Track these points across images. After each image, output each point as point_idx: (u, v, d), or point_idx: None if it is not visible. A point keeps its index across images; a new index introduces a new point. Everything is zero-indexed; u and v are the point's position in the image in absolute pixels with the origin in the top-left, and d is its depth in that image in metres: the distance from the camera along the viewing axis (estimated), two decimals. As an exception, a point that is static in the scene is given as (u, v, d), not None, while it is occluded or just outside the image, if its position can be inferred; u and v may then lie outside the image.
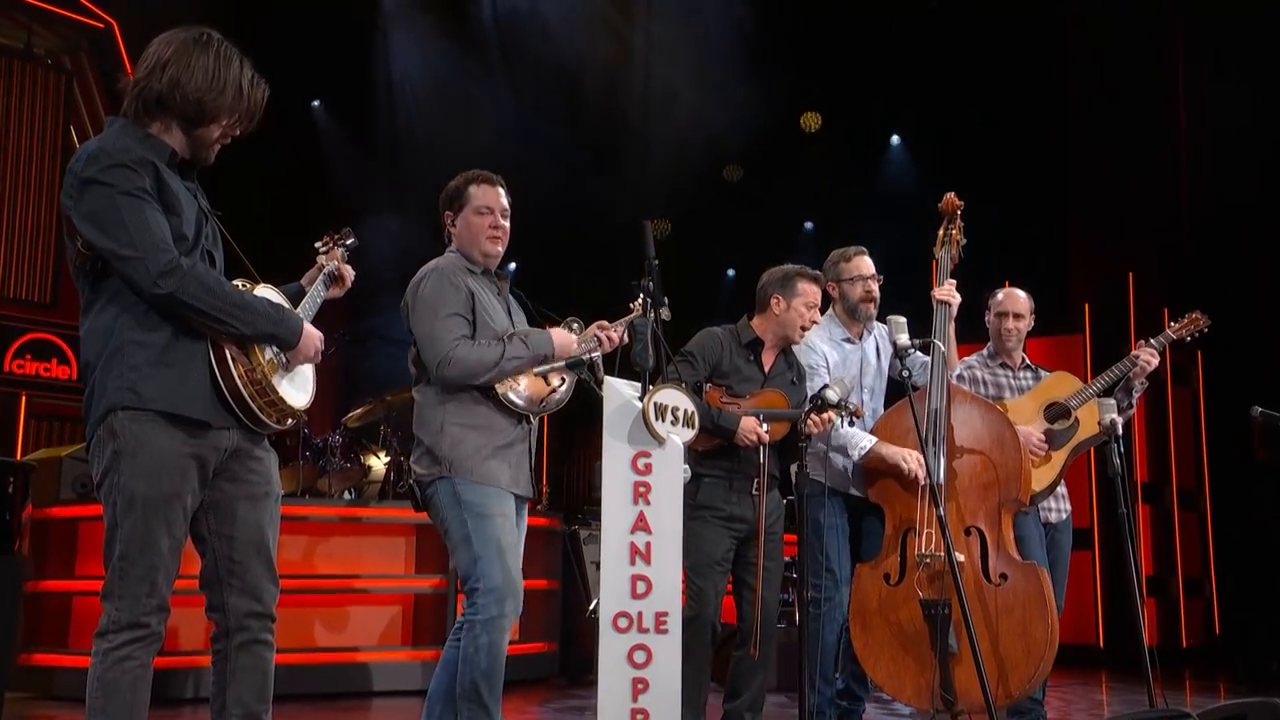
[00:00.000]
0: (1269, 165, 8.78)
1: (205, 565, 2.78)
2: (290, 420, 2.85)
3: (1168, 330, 4.92)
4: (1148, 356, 4.79)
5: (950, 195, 4.74)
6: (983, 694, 3.92)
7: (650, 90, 10.82)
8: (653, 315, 3.21)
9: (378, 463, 7.31)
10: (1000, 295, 5.05)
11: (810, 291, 4.40)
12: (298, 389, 2.85)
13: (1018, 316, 4.95)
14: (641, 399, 2.96)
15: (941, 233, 4.71)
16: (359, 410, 7.60)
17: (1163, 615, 9.05)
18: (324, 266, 3.12)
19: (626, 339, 3.66)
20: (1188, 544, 9.33)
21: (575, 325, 3.67)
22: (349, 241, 3.21)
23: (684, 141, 10.93)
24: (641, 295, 3.41)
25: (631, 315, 3.85)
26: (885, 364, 4.74)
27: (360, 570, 6.19)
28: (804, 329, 4.40)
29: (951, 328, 4.56)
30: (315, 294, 3.05)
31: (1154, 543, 9.15)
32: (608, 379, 3.02)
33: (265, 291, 2.83)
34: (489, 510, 3.39)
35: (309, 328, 2.84)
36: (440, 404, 3.47)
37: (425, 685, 6.20)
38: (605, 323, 3.76)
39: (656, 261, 3.31)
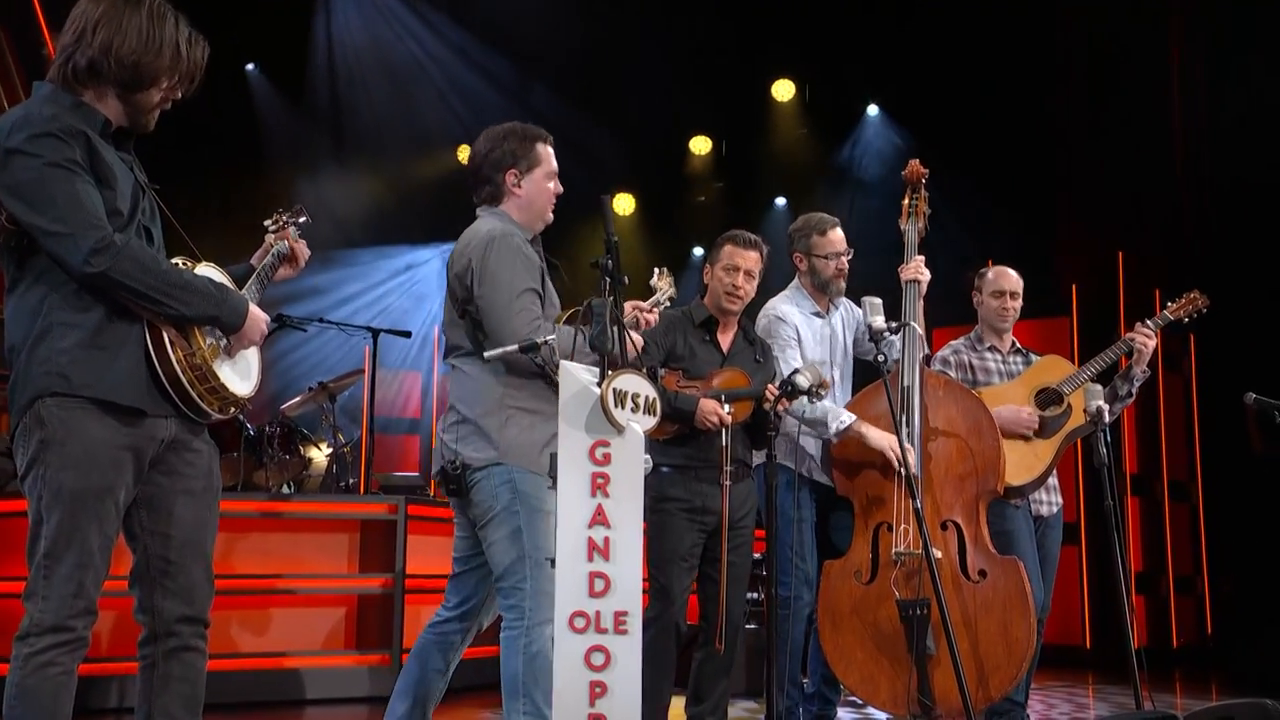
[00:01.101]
0: (1271, 140, 8.88)
1: (136, 563, 2.77)
2: (233, 409, 2.86)
3: (1165, 311, 4.99)
4: (1144, 339, 4.84)
5: (914, 163, 4.81)
6: (962, 698, 3.98)
7: (611, 56, 10.80)
8: (610, 296, 3.22)
9: (319, 454, 7.29)
10: (992, 274, 5.07)
11: (729, 254, 4.41)
12: (241, 375, 2.86)
13: (1014, 295, 5.01)
14: (600, 385, 2.97)
15: (906, 203, 4.78)
16: (298, 398, 7.57)
17: (1152, 614, 9.18)
18: (273, 245, 3.11)
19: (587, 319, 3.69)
20: (1179, 539, 9.46)
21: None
22: (301, 219, 3.20)
23: (648, 110, 10.92)
24: (602, 274, 3.43)
25: (658, 294, 3.95)
26: (851, 340, 4.81)
27: (299, 570, 6.17)
28: (728, 295, 4.39)
29: (920, 307, 4.62)
30: (263, 274, 3.04)
31: (1143, 538, 9.27)
32: (563, 363, 3.02)
33: (207, 270, 2.83)
34: (545, 505, 3.37)
35: (254, 309, 2.85)
36: (500, 382, 3.42)
37: (371, 692, 6.23)
38: (640, 302, 3.83)
39: (616, 239, 3.33)
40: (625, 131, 10.66)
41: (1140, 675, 4.19)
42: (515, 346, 3.38)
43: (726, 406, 4.13)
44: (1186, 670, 8.55)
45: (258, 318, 2.84)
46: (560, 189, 3.69)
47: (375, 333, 7.58)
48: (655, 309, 3.88)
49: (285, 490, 6.97)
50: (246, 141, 10.78)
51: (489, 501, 3.43)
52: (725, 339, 4.47)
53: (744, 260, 4.41)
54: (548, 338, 3.45)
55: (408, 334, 8.38)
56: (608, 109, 10.65)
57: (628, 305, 3.79)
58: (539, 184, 3.63)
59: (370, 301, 10.62)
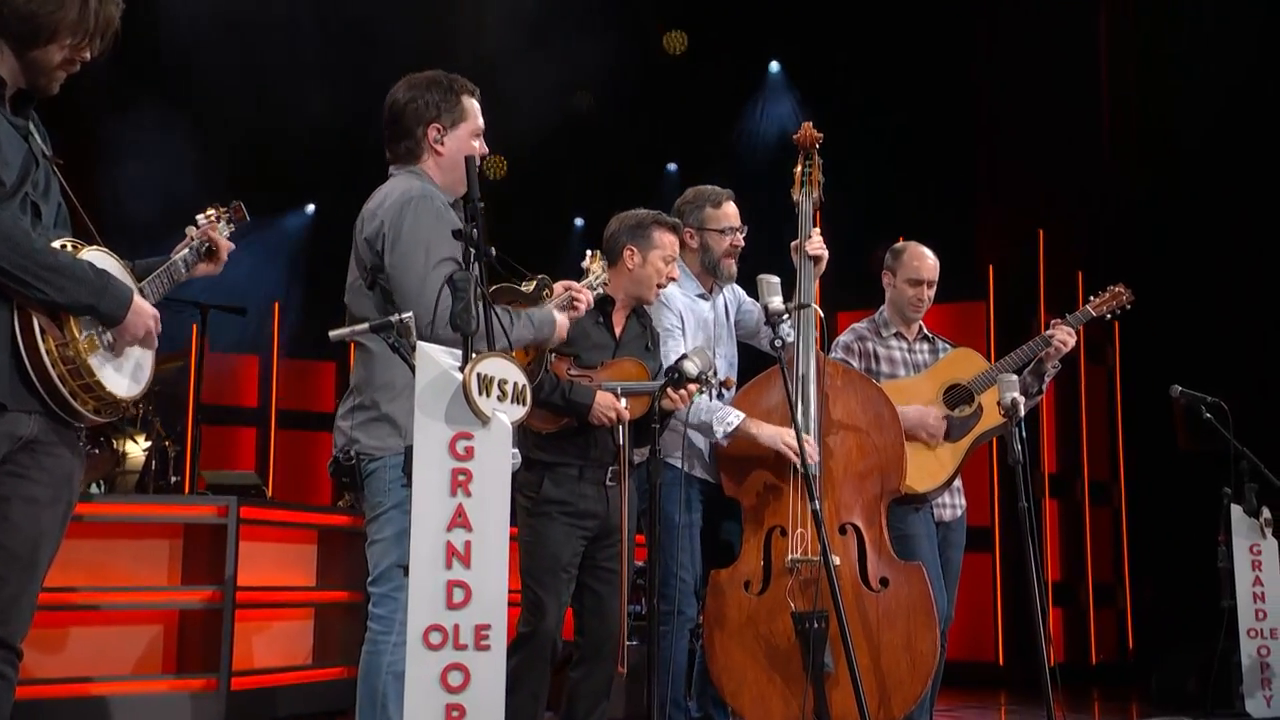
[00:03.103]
0: (1203, 110, 9.17)
1: None
2: (112, 412, 2.85)
3: (1087, 307, 5.14)
4: (1064, 336, 4.97)
5: (807, 126, 4.90)
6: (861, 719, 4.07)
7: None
8: (476, 268, 3.21)
9: (135, 449, 7.14)
10: (908, 256, 5.13)
11: (669, 243, 4.50)
12: (126, 375, 2.85)
13: (931, 285, 5.11)
14: (462, 369, 2.96)
15: (799, 171, 4.87)
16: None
17: (1070, 627, 9.47)
18: (193, 239, 3.16)
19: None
20: (1100, 545, 9.76)
21: (547, 290, 3.80)
22: (237, 216, 3.27)
23: (521, 61, 10.86)
24: (466, 245, 3.42)
25: (590, 278, 4.09)
26: (733, 325, 4.90)
27: (109, 582, 6.02)
28: (660, 287, 4.49)
29: (816, 284, 4.71)
30: (174, 268, 3.08)
31: (1062, 544, 9.55)
32: (420, 345, 3.01)
33: (93, 255, 2.81)
34: None
35: (139, 302, 2.84)
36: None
37: (193, 721, 6.09)
38: (573, 283, 3.90)
39: (482, 204, 3.32)
40: (495, 85, 10.58)
41: (1055, 695, 4.33)
42: (365, 326, 3.34)
43: (623, 401, 4.16)
44: (1106, 688, 8.85)
45: (143, 312, 2.84)
46: (485, 149, 3.72)
47: (204, 309, 7.43)
48: (587, 290, 3.98)
49: (94, 490, 6.81)
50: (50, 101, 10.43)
51: (380, 496, 3.44)
52: (618, 322, 4.51)
53: (677, 247, 4.53)
54: (403, 315, 3.42)
55: (243, 311, 8.23)
56: (475, 59, 10.58)
57: (559, 286, 3.85)
58: (463, 142, 3.66)
59: (198, 273, 10.40)
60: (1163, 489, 9.37)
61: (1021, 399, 4.54)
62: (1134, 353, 9.85)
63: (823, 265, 4.80)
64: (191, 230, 3.21)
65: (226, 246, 3.23)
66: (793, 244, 4.83)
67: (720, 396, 4.52)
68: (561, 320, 3.73)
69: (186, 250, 3.16)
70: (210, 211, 3.26)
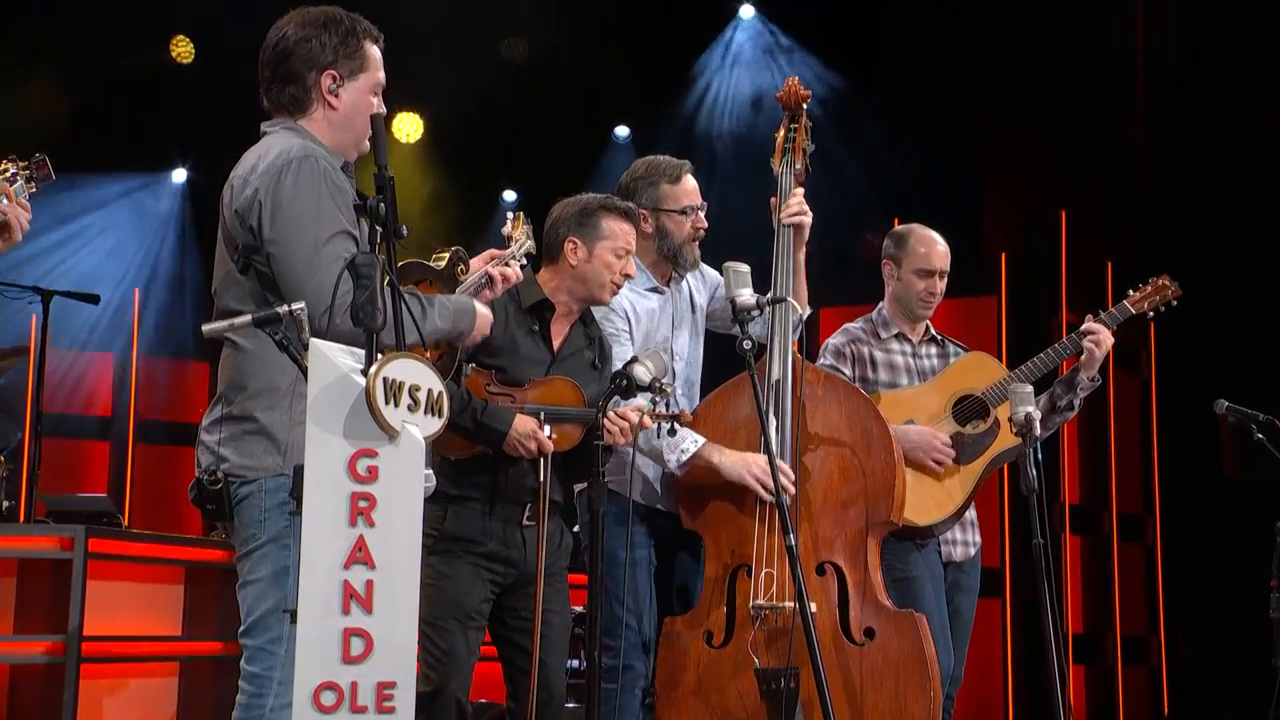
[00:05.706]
0: (1249, 72, 9.23)
1: None
2: None
3: (1125, 302, 5.16)
4: (1099, 336, 4.98)
5: (793, 82, 4.88)
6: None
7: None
8: (382, 250, 3.21)
9: (-33, 466, 7.08)
10: (915, 241, 5.15)
11: (622, 232, 4.49)
12: None
13: (943, 275, 5.12)
14: (366, 373, 2.95)
15: (781, 136, 4.86)
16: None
17: (1094, 687, 9.52)
18: None
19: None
20: (1130, 590, 9.81)
21: (462, 265, 3.82)
22: (41, 174, 3.15)
23: (444, 4, 10.84)
24: (372, 221, 3.41)
25: (514, 246, 4.10)
26: (701, 321, 4.89)
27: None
28: (615, 286, 4.47)
29: (801, 256, 4.69)
30: None
31: (1086, 588, 9.59)
32: (314, 342, 3.00)
33: None
34: None
35: None
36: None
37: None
38: (498, 252, 3.93)
39: (393, 174, 3.32)
40: (410, 31, 10.56)
41: (1075, 767, 4.37)
42: (247, 318, 3.32)
43: (548, 429, 4.16)
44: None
45: None
46: (383, 109, 3.70)
47: (47, 295, 7.38)
48: (515, 261, 4.00)
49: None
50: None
51: (254, 527, 3.42)
52: (558, 332, 4.50)
53: (633, 238, 4.53)
54: (294, 306, 3.41)
55: (95, 299, 8.18)
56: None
57: (481, 257, 3.85)
58: (362, 95, 3.66)
59: (40, 252, 10.28)
60: (1205, 523, 9.41)
61: (1038, 414, 4.52)
62: (1173, 360, 9.88)
63: (805, 234, 4.78)
64: None
65: (21, 215, 3.11)
66: (774, 206, 4.82)
67: (672, 432, 4.43)
68: (483, 312, 3.70)
69: None
70: (4, 165, 3.12)
